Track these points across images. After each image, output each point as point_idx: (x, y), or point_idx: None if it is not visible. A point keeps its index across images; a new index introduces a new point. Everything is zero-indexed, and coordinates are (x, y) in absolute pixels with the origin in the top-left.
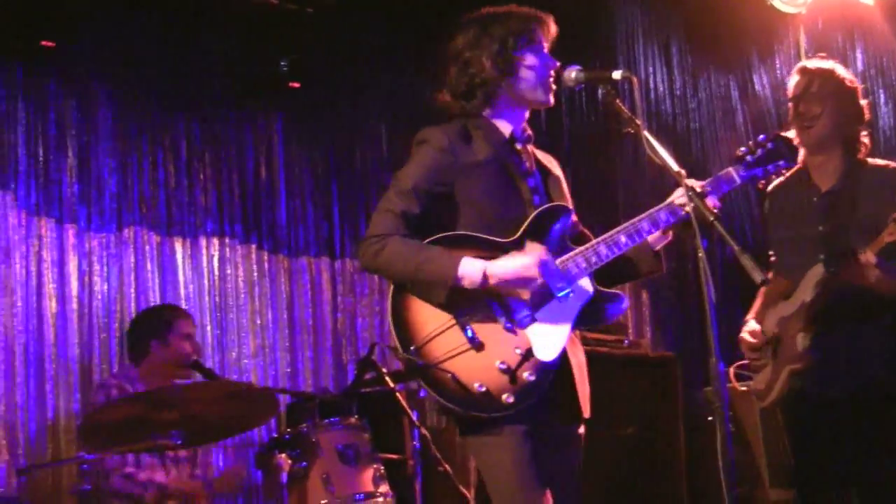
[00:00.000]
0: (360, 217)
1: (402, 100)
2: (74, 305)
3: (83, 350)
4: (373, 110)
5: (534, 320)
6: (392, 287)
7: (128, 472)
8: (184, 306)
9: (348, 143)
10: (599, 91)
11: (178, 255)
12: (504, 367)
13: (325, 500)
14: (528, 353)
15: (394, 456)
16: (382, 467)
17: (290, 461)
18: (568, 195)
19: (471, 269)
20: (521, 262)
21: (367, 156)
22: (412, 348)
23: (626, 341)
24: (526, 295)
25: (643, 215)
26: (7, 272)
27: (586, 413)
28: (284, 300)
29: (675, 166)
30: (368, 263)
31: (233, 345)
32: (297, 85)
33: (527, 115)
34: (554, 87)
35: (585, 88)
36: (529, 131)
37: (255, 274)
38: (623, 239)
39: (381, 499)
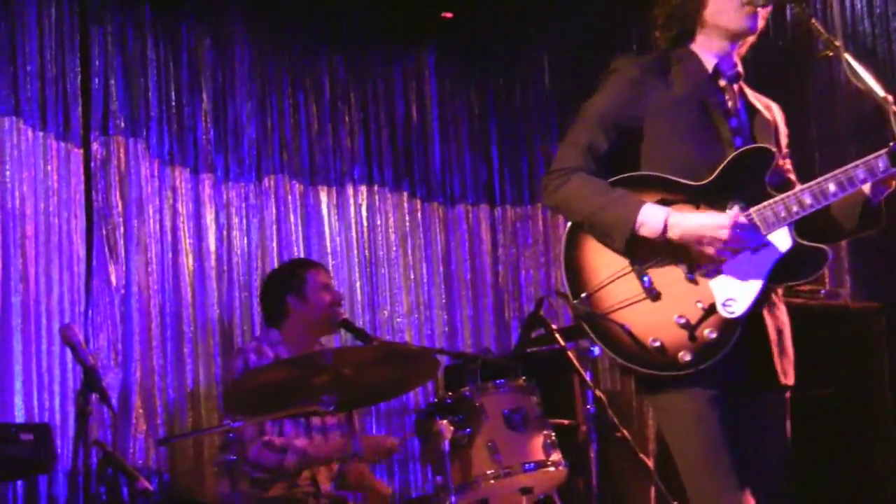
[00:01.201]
0: (521, 159)
1: (567, 27)
2: (212, 262)
3: (223, 310)
4: (534, 40)
5: (720, 272)
6: (568, 227)
7: (266, 440)
8: (330, 261)
9: (507, 78)
10: (788, 10)
11: (324, 206)
12: (683, 321)
13: (492, 470)
14: (710, 309)
15: (565, 421)
16: (553, 434)
17: (452, 428)
18: (781, 140)
19: (652, 216)
20: (710, 222)
21: (529, 91)
22: (583, 295)
23: (823, 291)
24: (711, 248)
25: (858, 162)
26: (140, 227)
27: (786, 379)
28: (440, 253)
29: (881, 92)
30: (549, 198)
31: (385, 302)
32: (450, 15)
33: (738, 49)
34: (761, 11)
35: (774, 9)
36: (740, 68)
37: (408, 224)
38: (832, 188)
39: (552, 468)
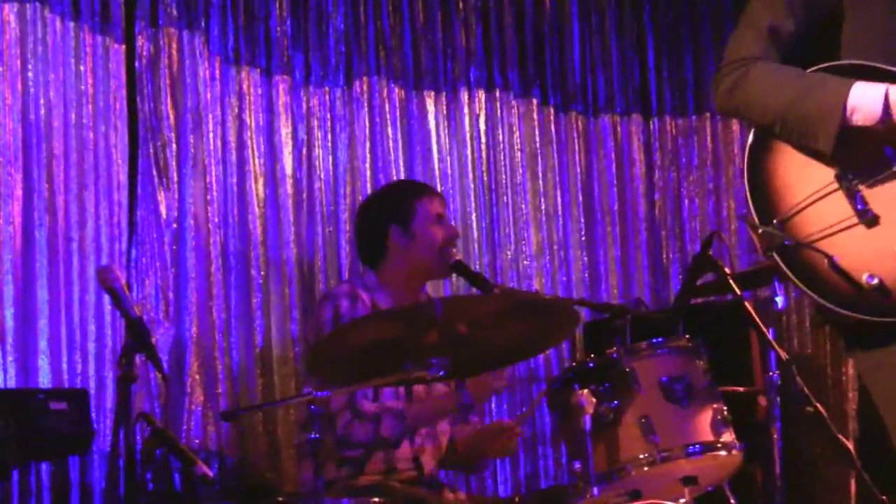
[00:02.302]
0: (684, 57)
1: None
2: (289, 188)
3: (302, 251)
4: None
5: None
6: (752, 136)
7: (356, 407)
8: (439, 187)
9: None
10: None
11: (430, 117)
12: None
13: (645, 454)
14: None
15: (739, 389)
16: (725, 408)
17: (594, 399)
18: None
19: (868, 96)
20: None
21: None
22: (775, 221)
23: None
24: None
25: None
26: (197, 144)
27: None
28: (579, 177)
29: None
30: (723, 99)
31: (508, 240)
32: None
33: None
34: None
35: None
36: None
37: (538, 141)
38: None
39: (723, 451)
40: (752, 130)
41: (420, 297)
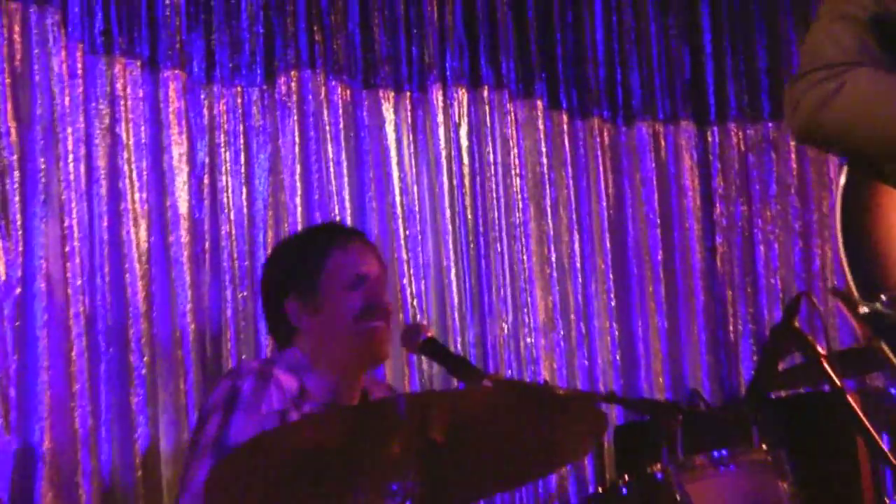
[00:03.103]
0: (754, 45)
1: None
2: (184, 233)
3: (202, 323)
4: None
5: None
6: (844, 174)
7: None
8: (401, 227)
9: None
10: None
11: (389, 127)
12: None
13: None
14: None
15: None
16: None
17: None
18: None
19: None
20: None
21: None
22: (883, 297)
23: None
24: None
25: None
26: (51, 169)
27: None
28: (605, 212)
29: None
30: (806, 121)
31: (503, 307)
32: None
33: None
34: None
35: None
36: None
37: (545, 161)
38: None
39: None
40: (846, 166)
41: (373, 390)
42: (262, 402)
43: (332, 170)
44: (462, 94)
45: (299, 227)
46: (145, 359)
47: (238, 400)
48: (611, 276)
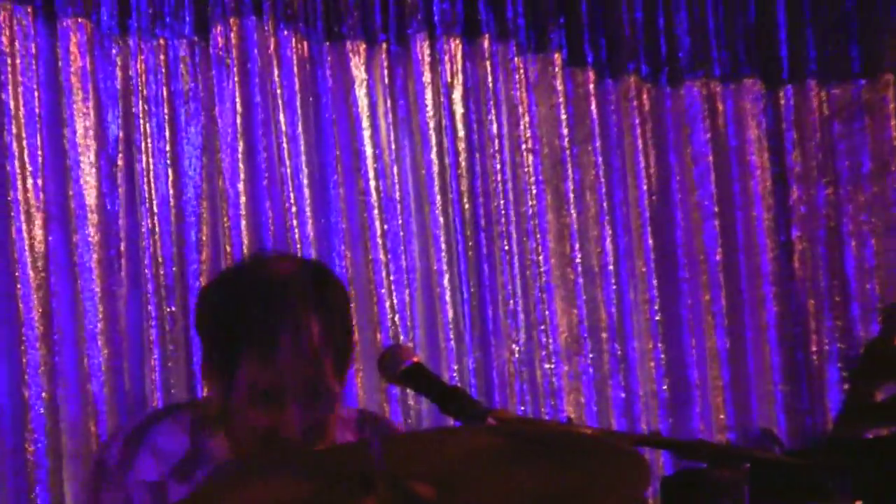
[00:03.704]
0: None
1: None
2: (92, 233)
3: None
4: None
5: None
6: None
7: None
8: (377, 226)
9: None
10: None
11: (360, 89)
12: None
13: None
14: None
15: None
16: None
17: None
18: None
19: None
20: None
21: None
22: None
23: None
24: None
25: None
26: None
27: None
28: (644, 196)
29: None
30: None
31: (511, 322)
32: None
33: None
34: None
35: None
36: None
37: (565, 130)
38: None
39: None
40: None
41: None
42: (128, 473)
43: (285, 147)
44: (455, 47)
45: (242, 223)
46: (44, 394)
47: (102, 475)
48: (654, 282)
